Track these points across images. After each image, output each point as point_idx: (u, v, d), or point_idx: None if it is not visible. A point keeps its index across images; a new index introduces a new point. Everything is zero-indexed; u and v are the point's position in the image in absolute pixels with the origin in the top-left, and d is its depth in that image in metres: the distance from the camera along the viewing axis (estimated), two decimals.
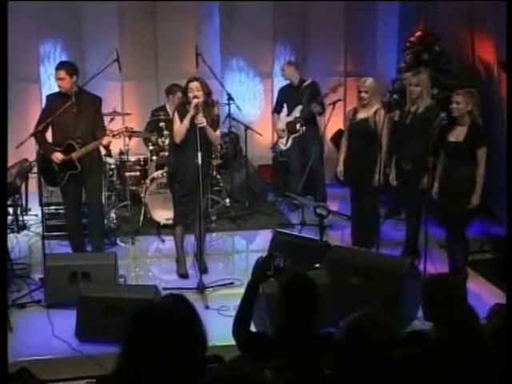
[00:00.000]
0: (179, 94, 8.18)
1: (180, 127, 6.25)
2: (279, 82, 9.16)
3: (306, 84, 8.50)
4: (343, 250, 6.17)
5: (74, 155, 6.41)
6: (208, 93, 6.30)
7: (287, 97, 8.69)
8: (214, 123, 6.40)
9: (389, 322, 2.80)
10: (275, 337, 3.52)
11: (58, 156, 6.41)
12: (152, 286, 5.38)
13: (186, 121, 6.20)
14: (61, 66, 6.49)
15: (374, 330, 2.70)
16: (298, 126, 8.52)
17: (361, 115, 6.78)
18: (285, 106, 8.73)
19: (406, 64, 8.66)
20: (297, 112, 8.50)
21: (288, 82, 8.70)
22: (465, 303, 3.56)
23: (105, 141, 6.46)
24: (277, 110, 8.83)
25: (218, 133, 6.49)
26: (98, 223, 6.82)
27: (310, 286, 3.53)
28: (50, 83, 9.24)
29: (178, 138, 6.28)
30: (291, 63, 8.70)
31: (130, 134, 7.54)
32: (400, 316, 5.27)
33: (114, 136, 6.54)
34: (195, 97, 6.15)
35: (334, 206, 8.53)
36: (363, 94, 6.71)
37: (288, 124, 8.61)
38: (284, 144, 8.71)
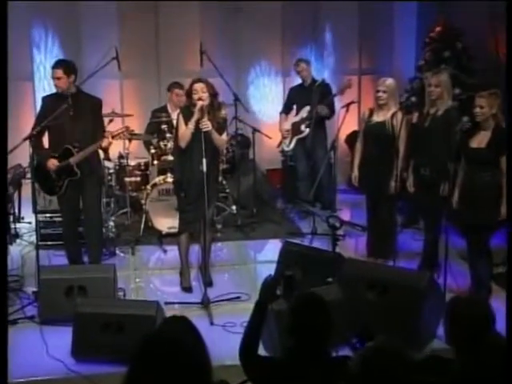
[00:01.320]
0: (177, 92, 8.26)
1: (185, 131, 6.23)
2: (291, 82, 9.15)
3: (316, 84, 8.50)
4: (357, 262, 6.14)
5: (72, 160, 6.40)
6: (214, 94, 6.28)
7: (297, 97, 8.69)
8: (220, 126, 6.38)
9: (406, 352, 2.76)
10: (284, 361, 3.49)
11: (53, 162, 6.40)
12: (153, 301, 5.36)
13: (191, 125, 6.18)
14: (58, 64, 6.47)
15: (391, 362, 2.68)
16: (302, 127, 8.52)
17: (377, 118, 6.75)
18: (294, 107, 8.73)
19: (426, 62, 8.66)
20: (304, 112, 8.52)
21: (299, 81, 8.70)
22: (492, 328, 3.50)
23: (104, 143, 6.46)
24: (285, 111, 8.83)
25: (224, 136, 6.47)
26: (96, 232, 6.81)
27: (322, 307, 3.50)
28: (44, 83, 9.31)
29: (183, 143, 6.27)
30: (306, 61, 8.69)
31: (130, 136, 7.53)
32: (418, 334, 5.25)
33: (113, 137, 6.53)
34: (200, 99, 6.14)
35: (346, 214, 8.54)
36: (381, 94, 6.67)
37: (293, 124, 8.62)
38: (287, 145, 8.73)
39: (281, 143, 8.85)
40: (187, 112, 6.28)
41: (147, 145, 8.39)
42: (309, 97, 8.44)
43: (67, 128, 6.38)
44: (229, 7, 9.71)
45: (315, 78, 8.74)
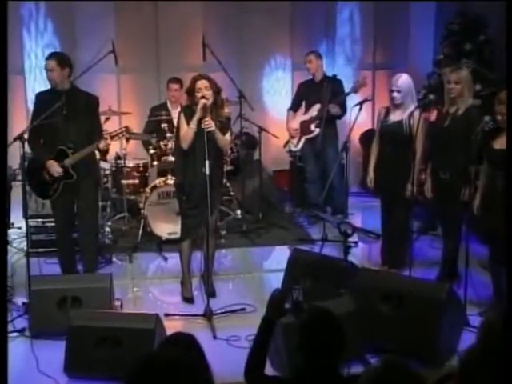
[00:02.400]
0: (172, 86, 8.24)
1: (187, 132, 6.22)
2: (301, 77, 9.12)
3: (327, 80, 8.47)
4: (371, 272, 6.12)
5: (67, 162, 6.38)
6: (217, 91, 6.28)
7: (307, 93, 8.66)
8: (224, 126, 6.38)
9: (419, 372, 2.74)
10: (292, 381, 3.48)
11: (58, 170, 6.35)
12: (153, 314, 5.34)
13: (193, 124, 6.17)
14: (51, 56, 6.49)
15: (401, 380, 2.66)
16: (312, 126, 8.50)
17: (393, 117, 6.75)
18: (303, 103, 8.70)
19: (445, 56, 8.62)
20: (314, 111, 8.49)
21: (309, 76, 8.67)
22: None
23: (102, 144, 6.45)
24: (293, 108, 8.81)
25: (227, 136, 6.46)
26: (91, 238, 6.78)
27: (334, 323, 3.47)
28: (35, 72, 9.28)
29: (185, 144, 6.26)
30: (316, 54, 8.65)
31: (129, 136, 7.52)
32: (437, 350, 5.22)
33: (112, 138, 6.52)
34: (204, 97, 6.13)
35: (358, 219, 8.55)
36: (395, 94, 6.66)
37: (302, 123, 8.59)
38: (294, 145, 8.70)
39: (288, 143, 8.83)
40: (189, 111, 6.27)
41: (146, 145, 8.39)
42: (319, 94, 8.41)
43: (61, 127, 6.36)
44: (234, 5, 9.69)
45: (326, 73, 8.70)
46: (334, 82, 8.48)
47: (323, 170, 8.47)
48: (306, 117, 8.57)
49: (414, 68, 9.20)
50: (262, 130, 8.52)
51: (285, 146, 8.90)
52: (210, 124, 6.11)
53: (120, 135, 6.68)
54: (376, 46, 10.19)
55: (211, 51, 8.10)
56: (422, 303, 5.35)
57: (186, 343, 2.95)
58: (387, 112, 6.83)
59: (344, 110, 8.38)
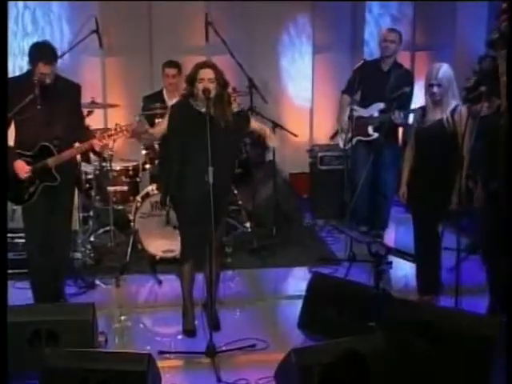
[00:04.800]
0: (169, 71, 8.38)
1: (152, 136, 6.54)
2: (323, 61, 9.12)
3: (396, 70, 8.52)
4: (407, 302, 6.13)
5: (51, 162, 6.41)
6: (224, 85, 6.28)
7: (368, 80, 8.60)
8: (240, 120, 6.46)
9: None
10: None
11: (24, 169, 6.40)
12: (144, 353, 5.36)
13: (158, 133, 6.43)
14: (43, 56, 6.30)
15: None
16: (370, 129, 8.54)
17: (432, 116, 6.73)
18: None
19: (501, 35, 8.59)
20: (375, 110, 8.54)
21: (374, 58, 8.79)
22: None
23: (97, 146, 6.50)
24: (349, 91, 8.77)
25: (254, 124, 6.57)
26: (61, 257, 6.81)
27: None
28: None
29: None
30: (399, 34, 8.63)
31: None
32: None
33: (110, 136, 6.53)
34: (206, 90, 6.12)
35: (391, 234, 8.68)
36: (435, 90, 6.64)
37: (358, 120, 8.51)
38: (344, 142, 8.69)
39: (336, 134, 8.86)
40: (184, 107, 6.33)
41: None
42: (383, 87, 8.46)
43: (42, 120, 6.35)
44: None
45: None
46: (402, 74, 8.56)
47: (376, 178, 8.54)
48: (365, 113, 8.57)
49: (462, 49, 9.23)
50: (276, 125, 8.52)
51: (332, 137, 8.95)
52: (272, 141, 6.59)
53: (121, 134, 6.65)
54: (416, 21, 10.18)
55: (215, 30, 8.13)
56: (468, 341, 5.34)
57: None
58: (424, 112, 6.82)
59: (407, 121, 8.35)
